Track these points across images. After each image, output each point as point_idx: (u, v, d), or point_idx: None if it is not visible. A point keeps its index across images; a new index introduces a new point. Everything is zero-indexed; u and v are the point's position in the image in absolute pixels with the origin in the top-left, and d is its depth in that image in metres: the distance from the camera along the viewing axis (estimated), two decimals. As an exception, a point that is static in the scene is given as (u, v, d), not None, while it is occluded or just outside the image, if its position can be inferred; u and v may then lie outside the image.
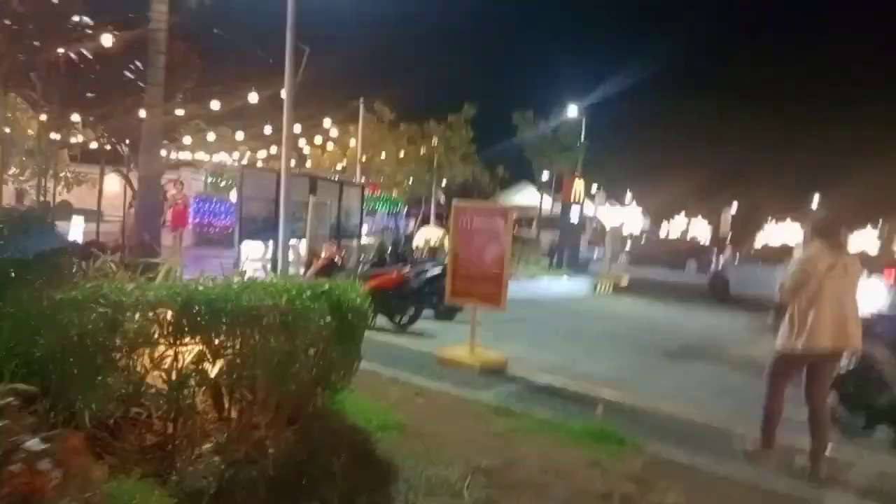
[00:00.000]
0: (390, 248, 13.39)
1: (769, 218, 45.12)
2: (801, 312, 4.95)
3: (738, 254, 26.01)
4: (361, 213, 17.27)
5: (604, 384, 7.24)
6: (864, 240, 38.10)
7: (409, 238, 16.41)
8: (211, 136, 18.80)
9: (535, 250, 21.38)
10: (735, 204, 45.00)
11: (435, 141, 21.06)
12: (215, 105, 14.87)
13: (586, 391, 6.89)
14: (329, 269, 10.72)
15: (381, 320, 10.39)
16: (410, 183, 20.27)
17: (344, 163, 20.28)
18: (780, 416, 5.13)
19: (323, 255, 11.06)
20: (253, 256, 13.07)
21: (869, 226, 39.37)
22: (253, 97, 13.18)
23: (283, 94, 11.99)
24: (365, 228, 22.29)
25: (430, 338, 9.84)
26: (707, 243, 39.58)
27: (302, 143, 20.87)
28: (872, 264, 16.90)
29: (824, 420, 5.05)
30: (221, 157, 22.29)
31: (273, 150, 24.53)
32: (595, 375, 7.88)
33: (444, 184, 22.43)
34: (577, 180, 20.74)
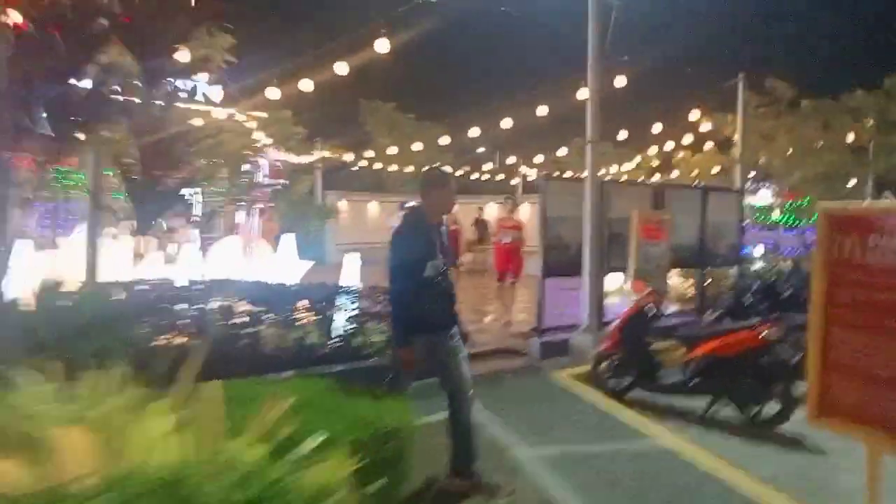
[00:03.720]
0: (758, 286, 8.63)
1: None
2: None
3: None
4: (740, 231, 12.47)
5: None
6: None
7: (797, 266, 10.92)
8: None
9: None
10: None
11: (868, 120, 14.47)
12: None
13: None
14: (638, 322, 6.94)
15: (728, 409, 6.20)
16: (818, 183, 14.12)
17: (718, 167, 15.47)
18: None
19: (633, 297, 7.31)
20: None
21: None
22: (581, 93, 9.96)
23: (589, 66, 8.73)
24: (760, 250, 16.92)
25: (810, 455, 5.27)
26: None
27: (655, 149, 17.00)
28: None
29: None
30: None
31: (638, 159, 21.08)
32: None
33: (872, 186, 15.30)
34: None
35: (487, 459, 4.74)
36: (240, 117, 8.53)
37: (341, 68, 10.21)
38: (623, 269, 9.29)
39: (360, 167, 23.58)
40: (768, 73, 13.82)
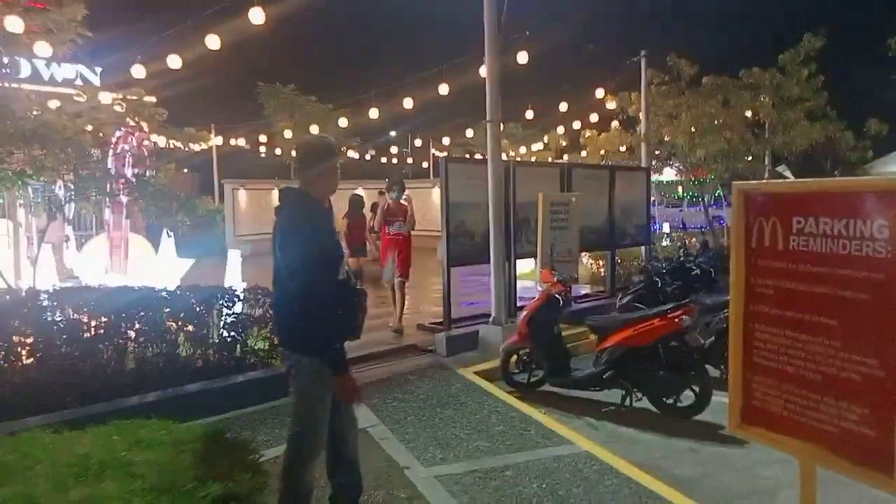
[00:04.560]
0: (668, 267, 8.40)
1: None
2: None
3: None
4: (648, 210, 12.35)
5: None
6: None
7: (706, 244, 10.92)
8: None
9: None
10: None
11: (764, 97, 14.72)
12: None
13: None
14: (547, 312, 6.48)
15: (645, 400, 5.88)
16: (719, 159, 14.25)
17: (626, 144, 15.41)
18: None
19: (540, 286, 6.85)
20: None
21: None
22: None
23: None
24: (666, 228, 17.11)
25: (728, 448, 4.95)
26: None
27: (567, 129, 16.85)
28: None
29: None
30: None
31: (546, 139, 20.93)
32: None
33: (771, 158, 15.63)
34: None
35: (380, 485, 4.12)
36: (77, 95, 7.35)
37: (214, 43, 9.22)
38: (533, 256, 8.84)
39: (261, 154, 22.22)
40: (670, 50, 13.76)
